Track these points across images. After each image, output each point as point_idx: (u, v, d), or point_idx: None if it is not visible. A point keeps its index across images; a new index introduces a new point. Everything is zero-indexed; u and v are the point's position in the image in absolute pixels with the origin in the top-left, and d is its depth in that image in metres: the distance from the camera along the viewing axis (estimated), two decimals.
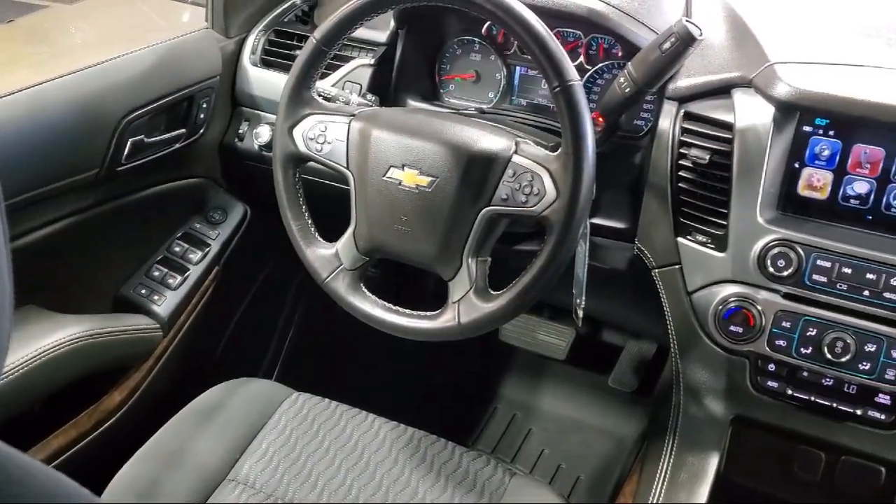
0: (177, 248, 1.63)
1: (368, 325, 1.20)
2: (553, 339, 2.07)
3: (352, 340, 1.91)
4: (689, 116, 1.19)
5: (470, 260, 1.13)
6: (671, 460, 1.26)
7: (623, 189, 1.30)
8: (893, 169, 1.09)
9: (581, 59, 1.37)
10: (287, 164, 1.21)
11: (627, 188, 1.30)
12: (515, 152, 1.09)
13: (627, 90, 1.14)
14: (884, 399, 1.13)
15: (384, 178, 1.13)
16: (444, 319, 1.14)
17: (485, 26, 1.43)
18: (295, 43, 1.56)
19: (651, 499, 1.23)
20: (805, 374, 1.16)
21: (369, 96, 1.40)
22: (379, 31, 1.46)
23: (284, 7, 1.65)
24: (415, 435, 1.29)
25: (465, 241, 1.12)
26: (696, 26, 1.08)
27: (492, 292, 1.13)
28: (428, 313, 1.16)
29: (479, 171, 1.09)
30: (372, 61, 1.45)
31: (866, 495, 1.21)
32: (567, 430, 2.07)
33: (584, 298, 1.29)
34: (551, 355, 2.06)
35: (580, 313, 1.30)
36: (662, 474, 1.26)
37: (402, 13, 1.41)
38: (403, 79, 1.46)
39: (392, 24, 1.45)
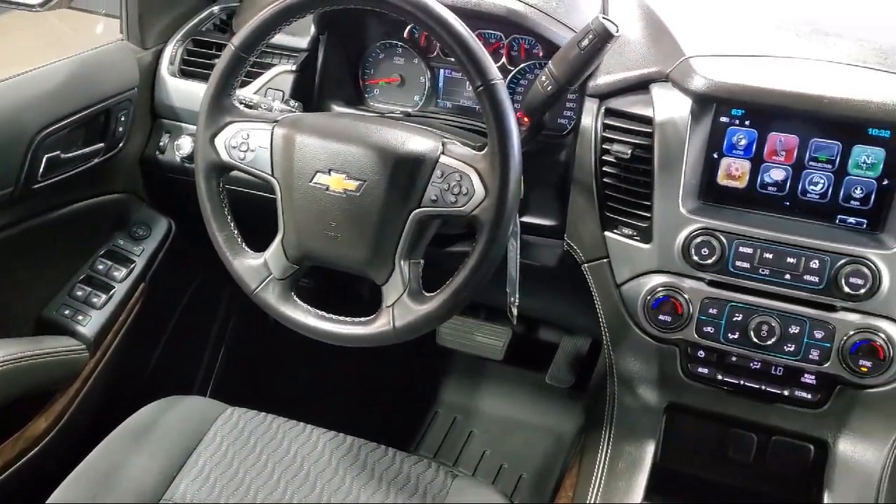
0: (100, 266, 1.58)
1: (302, 335, 1.18)
2: (490, 340, 2.08)
3: (287, 352, 1.88)
4: (609, 112, 1.21)
5: (402, 263, 1.12)
6: (609, 451, 1.28)
7: (551, 187, 1.32)
8: (807, 155, 1.13)
9: (503, 59, 1.38)
10: (210, 174, 1.19)
11: (555, 186, 1.31)
12: (443, 153, 1.09)
13: (549, 88, 1.16)
14: (809, 379, 1.17)
15: (311, 184, 1.12)
16: (379, 324, 1.13)
17: (407, 29, 1.43)
18: (214, 52, 1.53)
19: (591, 490, 1.24)
20: (734, 358, 1.19)
21: (292, 103, 1.38)
22: (299, 37, 1.45)
23: (202, 16, 1.62)
24: (354, 443, 1.28)
25: (396, 244, 1.11)
26: (613, 23, 1.10)
27: (426, 294, 1.13)
28: (362, 319, 1.15)
29: (407, 174, 1.09)
30: (293, 68, 1.43)
31: (797, 473, 1.24)
32: (508, 430, 2.08)
33: (517, 297, 1.30)
34: (489, 356, 2.07)
35: (515, 311, 1.31)
36: (601, 466, 1.27)
37: (321, 18, 1.40)
38: (326, 84, 1.45)
39: (312, 29, 1.43)
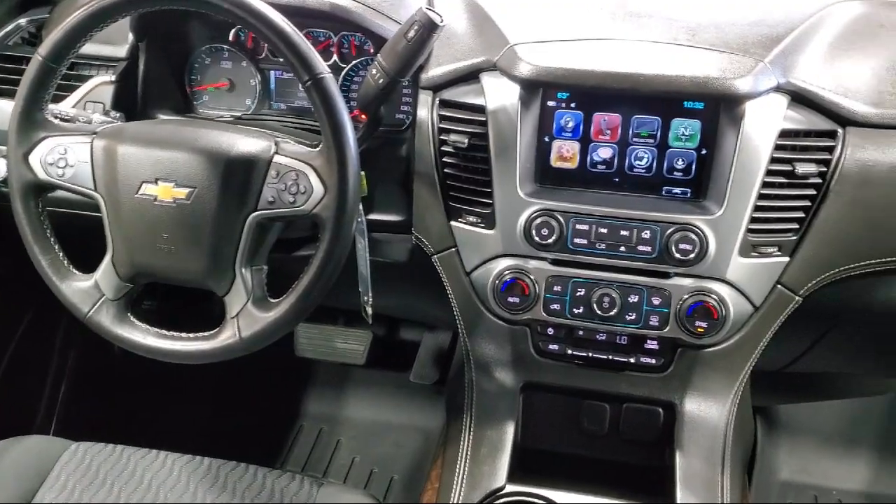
0: None
1: (146, 357, 1.12)
2: (351, 346, 2.06)
3: (136, 378, 1.79)
4: (444, 104, 1.23)
5: (243, 270, 1.09)
6: (471, 438, 1.29)
7: (395, 182, 1.31)
8: (631, 132, 1.18)
9: (334, 57, 1.36)
10: (27, 194, 1.11)
11: (399, 181, 1.31)
12: (276, 152, 1.06)
13: (381, 81, 1.15)
14: (652, 345, 1.23)
15: (137, 196, 1.07)
16: (225, 337, 1.09)
17: (232, 32, 1.39)
18: (23, 67, 1.43)
19: (455, 479, 1.25)
20: (581, 332, 1.24)
21: (114, 114, 1.31)
22: (117, 45, 1.37)
23: (8, 30, 1.50)
24: (212, 465, 1.23)
25: (235, 251, 1.07)
26: (437, 13, 1.11)
27: (271, 301, 1.10)
28: (206, 333, 1.11)
29: (240, 176, 1.06)
30: (113, 78, 1.36)
31: (649, 436, 1.30)
32: (376, 434, 2.07)
33: (370, 296, 1.29)
34: (351, 361, 2.05)
35: (369, 311, 1.30)
36: (464, 453, 1.28)
37: (139, 24, 1.34)
38: (151, 93, 1.38)
39: (131, 37, 1.37)
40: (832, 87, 1.16)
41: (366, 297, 1.29)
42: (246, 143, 1.07)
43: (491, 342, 1.30)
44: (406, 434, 2.06)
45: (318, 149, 1.06)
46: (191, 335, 1.11)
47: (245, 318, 1.08)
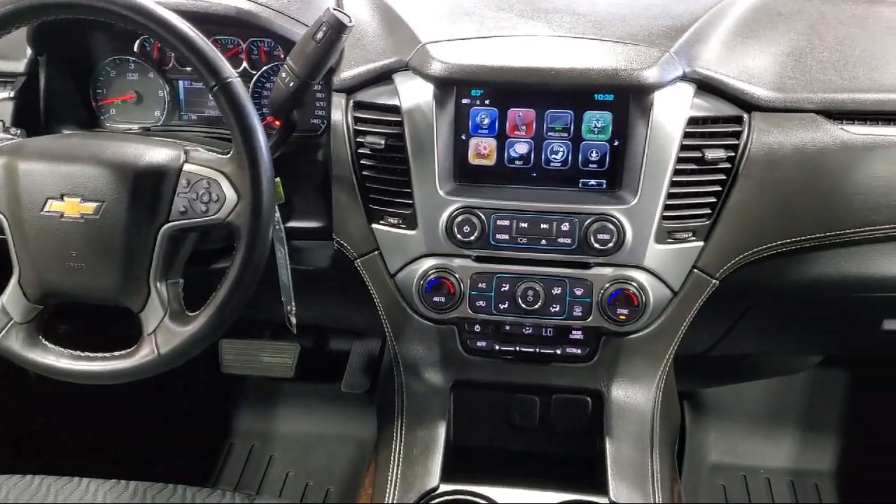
0: None
1: (62, 380, 1.08)
2: (278, 359, 2.03)
3: (53, 403, 1.72)
4: (358, 106, 1.22)
5: (158, 284, 1.06)
6: (402, 440, 1.28)
7: (314, 188, 1.30)
8: (545, 127, 1.19)
9: (244, 64, 1.34)
10: None
11: (317, 187, 1.29)
12: (186, 161, 1.04)
13: (291, 84, 1.14)
14: (577, 335, 1.24)
15: (43, 214, 1.02)
16: (143, 354, 1.06)
17: (137, 42, 1.35)
18: None
19: (388, 483, 1.24)
20: (507, 327, 1.24)
21: (14, 130, 1.25)
22: (13, 60, 1.32)
23: None
24: (138, 488, 1.19)
25: (148, 266, 1.04)
26: (345, 14, 1.10)
27: (189, 314, 1.07)
28: (122, 352, 1.07)
29: (149, 188, 1.03)
30: (11, 94, 1.30)
31: (579, 425, 1.31)
32: (309, 447, 2.04)
33: (294, 305, 1.27)
34: (280, 375, 2.01)
35: (293, 320, 1.28)
36: (396, 456, 1.27)
37: (37, 38, 1.29)
38: (53, 109, 1.33)
39: (29, 51, 1.31)
40: (736, 75, 1.19)
41: (289, 307, 1.27)
42: (154, 153, 1.04)
43: (419, 343, 1.30)
44: (340, 445, 2.03)
45: (228, 155, 1.04)
46: (107, 355, 1.07)
47: (163, 333, 1.05)
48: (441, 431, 1.27)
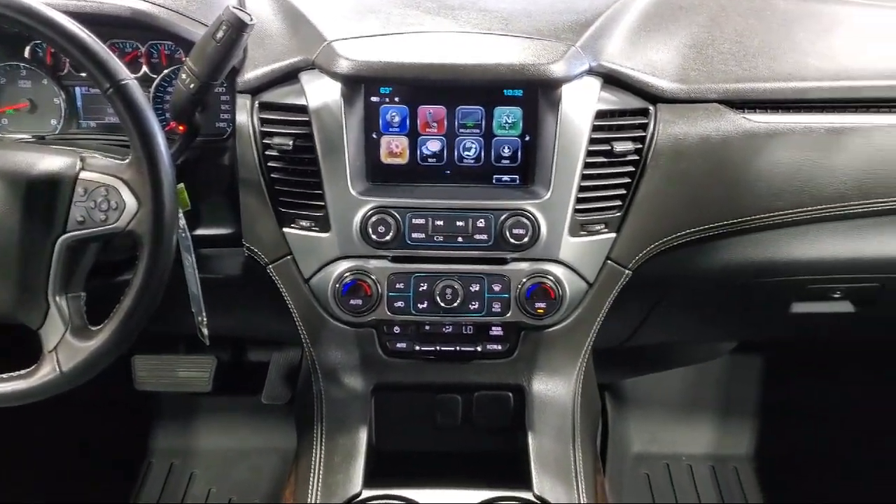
0: None
1: None
2: (195, 373, 1.96)
3: None
4: (264, 107, 1.19)
5: (58, 299, 1.01)
6: (323, 448, 1.25)
7: (221, 194, 1.26)
8: (457, 123, 1.18)
9: (144, 68, 1.29)
10: None
11: (225, 192, 1.26)
12: (82, 168, 0.99)
13: (192, 86, 1.10)
14: (497, 331, 1.24)
15: None
16: (44, 373, 1.01)
17: (28, 47, 1.29)
18: None
19: (310, 492, 1.21)
20: (427, 327, 1.23)
21: None
22: None
23: None
24: None
25: (46, 279, 0.99)
26: (246, 12, 1.07)
27: (92, 329, 1.02)
28: (21, 372, 1.02)
29: (43, 197, 0.98)
30: None
31: (501, 422, 1.31)
32: (231, 462, 1.99)
33: (205, 315, 1.23)
34: (197, 390, 1.94)
35: (205, 332, 1.24)
36: (317, 465, 1.24)
37: None
38: None
39: None
40: (641, 68, 1.21)
41: (200, 318, 1.23)
42: (47, 161, 0.99)
43: (337, 348, 1.27)
44: (263, 457, 1.99)
45: (127, 161, 0.99)
46: (4, 375, 1.01)
47: (64, 350, 1.00)
48: (362, 437, 1.25)
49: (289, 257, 1.22)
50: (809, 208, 1.25)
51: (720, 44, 1.26)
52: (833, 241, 1.30)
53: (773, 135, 1.21)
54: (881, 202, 1.25)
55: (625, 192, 1.20)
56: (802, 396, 2.02)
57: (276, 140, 1.16)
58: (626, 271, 1.24)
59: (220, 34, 1.06)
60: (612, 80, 1.20)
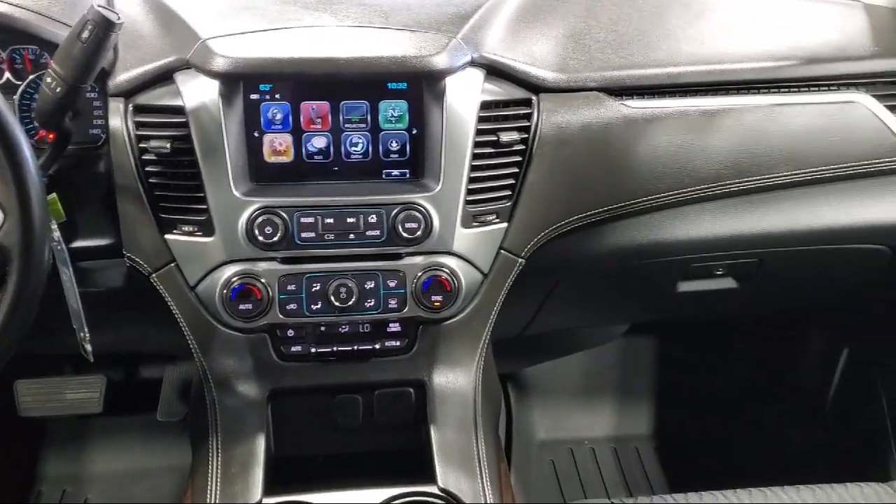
0: None
1: None
2: (84, 394, 1.87)
3: None
4: (139, 110, 1.14)
5: None
6: (219, 460, 1.21)
7: (98, 203, 1.20)
8: (342, 119, 1.16)
9: (7, 75, 1.21)
10: None
11: (103, 202, 1.20)
12: None
13: (59, 90, 1.04)
14: (394, 327, 1.23)
15: None
16: None
17: None
18: None
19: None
20: (322, 328, 1.21)
21: None
22: None
23: None
24: None
25: None
26: (113, 11, 1.02)
27: None
28: None
29: None
30: None
31: (404, 418, 1.30)
32: (128, 484, 1.91)
33: (87, 331, 1.17)
34: (87, 412, 1.85)
35: (88, 348, 1.18)
36: (213, 477, 1.20)
37: None
38: None
39: None
40: (522, 58, 1.22)
41: (82, 334, 1.17)
42: None
43: (229, 356, 1.23)
44: (162, 476, 1.91)
45: None
46: None
47: None
48: (260, 444, 1.21)
49: (172, 265, 1.17)
50: (689, 189, 1.29)
51: (596, 33, 1.29)
52: (713, 220, 1.35)
53: (651, 119, 1.25)
54: (755, 180, 1.30)
55: (513, 181, 1.21)
56: (693, 373, 2.10)
57: (153, 144, 1.11)
58: (520, 260, 1.25)
59: (85, 34, 1.01)
60: (495, 71, 1.20)
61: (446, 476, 1.20)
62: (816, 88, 1.32)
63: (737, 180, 1.30)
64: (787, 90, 1.31)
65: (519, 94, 1.21)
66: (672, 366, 2.11)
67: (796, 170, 1.31)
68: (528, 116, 1.20)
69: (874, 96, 1.31)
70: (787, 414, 2.02)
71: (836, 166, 1.31)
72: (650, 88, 1.27)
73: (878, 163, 1.32)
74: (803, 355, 2.04)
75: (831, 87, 1.32)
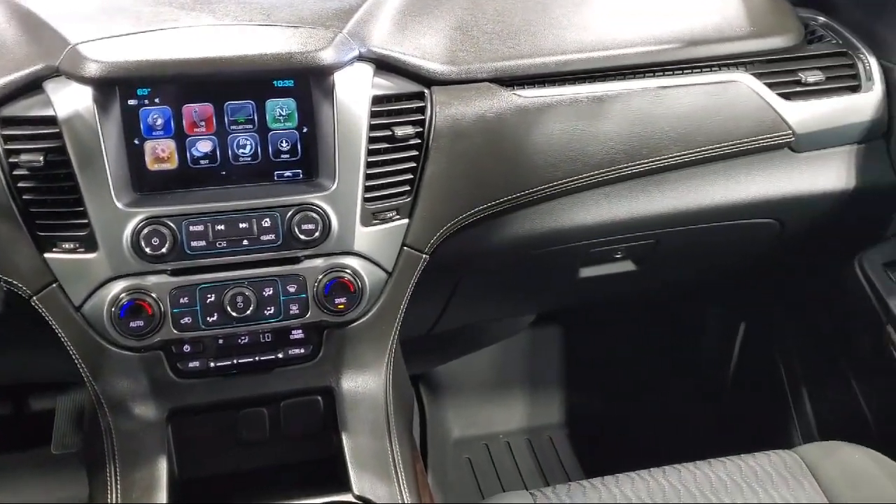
0: None
1: None
2: None
3: None
4: (6, 122, 1.06)
5: None
6: (118, 488, 1.14)
7: None
8: (227, 120, 1.12)
9: None
10: None
11: None
12: None
13: None
14: (297, 334, 1.18)
15: None
16: None
17: None
18: None
19: None
20: (221, 341, 1.15)
21: None
22: None
23: None
24: None
25: None
26: None
27: None
28: None
29: None
30: None
31: (313, 428, 1.25)
32: None
33: None
34: None
35: None
36: None
37: None
38: None
39: None
40: (411, 52, 1.21)
41: None
42: None
43: (122, 378, 1.16)
44: None
45: None
46: None
47: None
48: (162, 468, 1.15)
49: (54, 285, 1.10)
50: (584, 175, 1.30)
51: (483, 24, 1.29)
52: (609, 204, 1.37)
53: (543, 108, 1.25)
54: (647, 162, 1.32)
55: (412, 176, 1.19)
56: (600, 358, 2.13)
57: (24, 157, 1.04)
58: (424, 256, 1.23)
59: None
60: (385, 65, 1.18)
61: (361, 483, 1.17)
62: (699, 70, 1.35)
63: (630, 163, 1.32)
64: (671, 73, 1.34)
65: (411, 87, 1.19)
66: (579, 352, 2.14)
67: (685, 150, 1.33)
68: (421, 110, 1.18)
69: (754, 75, 1.36)
70: (693, 391, 2.08)
71: (722, 144, 1.35)
72: (540, 77, 1.27)
73: (762, 138, 1.36)
74: (703, 332, 2.10)
75: (713, 68, 1.36)
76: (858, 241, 1.56)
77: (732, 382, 2.03)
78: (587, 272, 1.53)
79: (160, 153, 1.11)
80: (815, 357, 1.84)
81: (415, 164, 1.18)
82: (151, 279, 1.10)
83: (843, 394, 1.77)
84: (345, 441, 1.20)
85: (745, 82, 1.35)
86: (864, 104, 1.41)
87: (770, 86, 1.36)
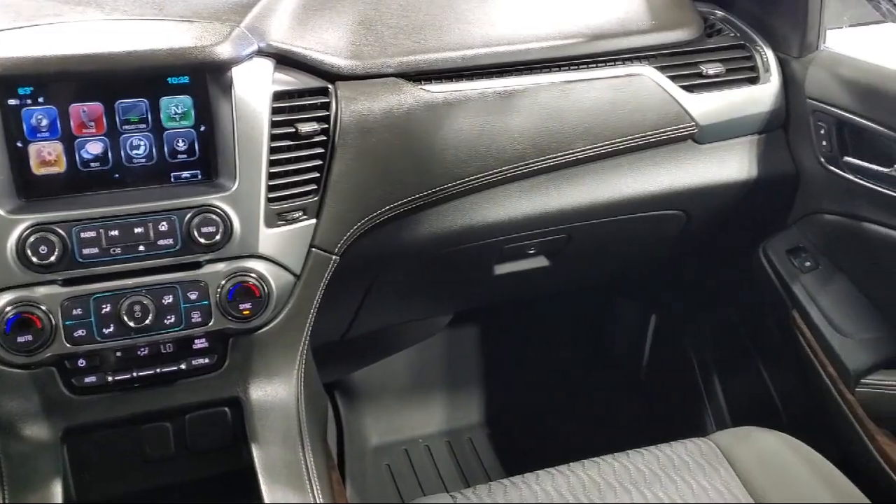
0: None
1: None
2: None
3: None
4: None
5: None
6: None
7: None
8: (118, 120, 1.05)
9: None
10: None
11: None
12: None
13: None
14: (201, 343, 1.13)
15: None
16: None
17: None
18: None
19: None
20: (119, 353, 1.09)
21: None
22: None
23: None
24: None
25: None
26: None
27: None
28: None
29: None
30: None
31: (222, 441, 1.20)
32: None
33: None
34: None
35: None
36: None
37: None
38: None
39: None
40: (314, 47, 1.18)
41: None
42: None
43: (11, 398, 1.07)
44: None
45: None
46: None
47: None
48: (56, 491, 1.07)
49: None
50: (495, 171, 1.29)
51: (388, 19, 1.26)
52: (520, 200, 1.36)
53: (451, 103, 1.23)
54: (556, 156, 1.32)
55: (318, 174, 1.15)
56: (517, 355, 2.13)
57: None
58: (334, 257, 1.19)
59: None
60: (287, 60, 1.15)
61: (273, 494, 1.11)
62: (603, 64, 1.36)
63: (539, 158, 1.31)
64: (577, 67, 1.34)
65: (314, 83, 1.15)
66: (496, 350, 2.13)
67: (593, 143, 1.34)
68: (326, 106, 1.15)
69: (656, 68, 1.37)
70: (609, 384, 2.10)
71: (629, 137, 1.36)
72: (447, 72, 1.25)
73: (667, 131, 1.38)
74: (617, 326, 2.12)
75: (617, 62, 1.37)
76: (762, 229, 1.60)
77: (647, 374, 2.06)
78: (501, 269, 1.52)
79: (46, 156, 1.04)
80: (726, 345, 1.88)
81: (321, 162, 1.15)
82: (40, 290, 1.02)
83: (752, 379, 1.81)
84: (255, 452, 1.15)
85: (649, 75, 1.36)
86: (762, 95, 1.44)
87: (673, 78, 1.37)
